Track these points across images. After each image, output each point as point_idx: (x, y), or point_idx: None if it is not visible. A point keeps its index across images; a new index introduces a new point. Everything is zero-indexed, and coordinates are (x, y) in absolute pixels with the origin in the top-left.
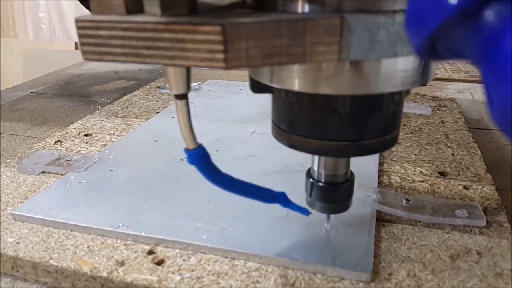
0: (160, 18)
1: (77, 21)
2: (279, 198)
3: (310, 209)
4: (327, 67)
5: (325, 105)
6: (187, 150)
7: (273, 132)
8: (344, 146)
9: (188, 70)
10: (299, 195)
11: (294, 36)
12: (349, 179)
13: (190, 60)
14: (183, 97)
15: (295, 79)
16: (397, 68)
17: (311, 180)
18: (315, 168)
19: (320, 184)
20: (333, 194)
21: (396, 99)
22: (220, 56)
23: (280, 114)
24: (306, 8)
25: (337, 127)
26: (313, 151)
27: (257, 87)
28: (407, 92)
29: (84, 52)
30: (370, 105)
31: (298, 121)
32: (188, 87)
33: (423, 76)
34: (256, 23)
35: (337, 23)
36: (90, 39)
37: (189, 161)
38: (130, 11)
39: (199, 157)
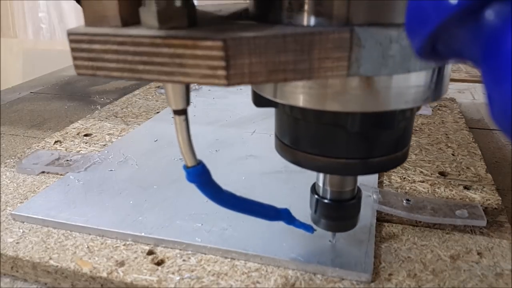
0: (158, 32)
1: (69, 34)
2: (283, 215)
3: (315, 226)
4: (335, 83)
5: (333, 122)
6: (186, 168)
7: (276, 147)
8: (352, 164)
9: (187, 85)
10: (299, 196)
11: (301, 52)
12: (356, 196)
13: (190, 76)
14: (182, 112)
15: (301, 95)
16: (409, 84)
17: (316, 196)
18: (320, 184)
19: (326, 201)
20: (339, 211)
21: (407, 115)
22: (221, 72)
23: (284, 129)
24: (313, 21)
25: (345, 144)
26: (318, 169)
27: (260, 101)
28: (418, 108)
29: (77, 67)
30: (380, 123)
31: (304, 137)
32: (188, 103)
33: (435, 91)
34: (260, 37)
35: (347, 37)
36: (83, 53)
37: (188, 179)
38: (125, 23)
39: (199, 175)
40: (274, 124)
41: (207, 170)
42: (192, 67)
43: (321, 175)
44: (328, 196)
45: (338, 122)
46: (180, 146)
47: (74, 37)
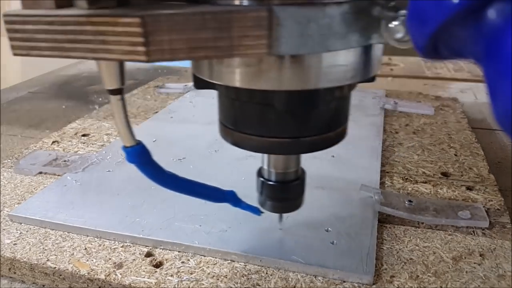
0: (84, 11)
1: (4, 15)
2: (228, 197)
3: (261, 209)
4: (260, 62)
5: (263, 101)
6: (125, 148)
7: (219, 130)
8: (284, 143)
9: (121, 64)
10: None
11: (220, 29)
12: (300, 177)
13: (113, 53)
14: (117, 92)
15: (233, 74)
16: (331, 63)
17: (261, 179)
18: (265, 167)
19: (270, 183)
20: (284, 193)
21: (336, 95)
22: (141, 49)
23: (222, 110)
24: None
25: (277, 123)
26: (254, 149)
27: (199, 83)
28: (351, 87)
29: (13, 47)
30: (306, 101)
31: (239, 117)
32: (123, 82)
33: (363, 71)
34: (178, 14)
35: (265, 15)
36: (17, 34)
37: (128, 159)
38: (59, 5)
39: (138, 155)
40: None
41: (146, 150)
42: (114, 44)
43: (265, 158)
44: (273, 178)
45: (267, 101)
46: (117, 126)
47: (8, 18)
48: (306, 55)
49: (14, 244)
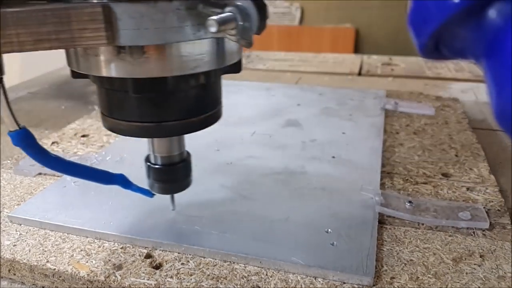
0: None
1: None
2: (118, 179)
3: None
4: (112, 52)
5: (121, 89)
6: (9, 132)
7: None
8: (147, 127)
9: None
10: (298, 197)
11: (60, 24)
12: (185, 159)
13: None
14: None
15: (94, 64)
16: (178, 53)
17: (148, 163)
18: (151, 152)
19: (156, 166)
20: (169, 175)
21: (192, 83)
22: None
23: (98, 98)
24: None
25: (137, 109)
26: (122, 133)
27: (74, 73)
28: (208, 76)
29: None
30: (158, 88)
31: (108, 104)
32: (1, 72)
33: (217, 60)
34: (22, 11)
35: (99, 11)
36: None
37: (13, 143)
38: None
39: (22, 139)
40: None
41: (30, 134)
42: None
43: (150, 144)
44: (158, 162)
45: (124, 88)
46: (1, 113)
47: None
48: (150, 46)
49: (14, 245)
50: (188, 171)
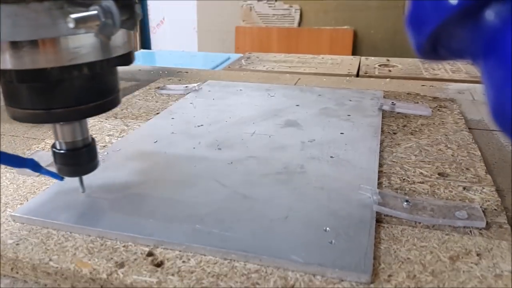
0: None
1: None
2: (29, 163)
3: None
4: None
5: (10, 79)
6: None
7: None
8: (38, 114)
9: None
10: (299, 197)
11: None
12: (89, 144)
13: None
14: None
15: None
16: (52, 47)
17: (53, 149)
18: (56, 139)
19: (62, 151)
20: (74, 159)
21: (75, 73)
22: None
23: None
24: None
25: (29, 97)
26: (18, 119)
27: None
28: (91, 67)
29: None
30: (36, 78)
31: (7, 94)
32: None
33: (100, 52)
34: None
35: None
36: None
37: None
38: None
39: None
40: None
41: None
42: None
43: (54, 131)
44: (64, 147)
45: (11, 79)
46: None
47: None
48: (26, 41)
49: (17, 244)
50: (92, 155)
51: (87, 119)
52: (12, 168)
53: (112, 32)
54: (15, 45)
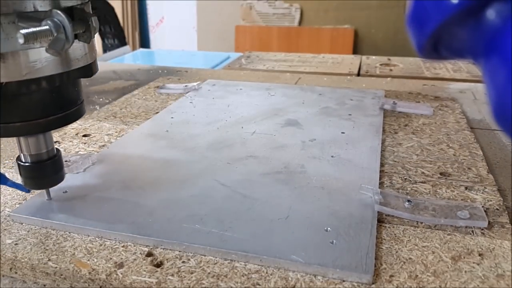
0: None
1: None
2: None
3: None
4: None
5: None
6: None
7: None
8: None
9: None
10: (298, 196)
11: None
12: (54, 156)
13: None
14: None
15: None
16: (5, 61)
17: (18, 162)
18: (20, 152)
19: (26, 164)
20: (39, 171)
21: (32, 88)
22: None
23: None
24: None
25: None
26: None
27: None
28: (50, 81)
29: None
30: None
31: None
32: None
33: (57, 66)
34: None
35: None
36: None
37: None
38: None
39: None
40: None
41: None
42: None
43: (18, 144)
44: (29, 160)
45: None
46: None
47: None
48: None
49: (15, 244)
50: (58, 167)
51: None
52: (11, 167)
53: (64, 46)
54: None
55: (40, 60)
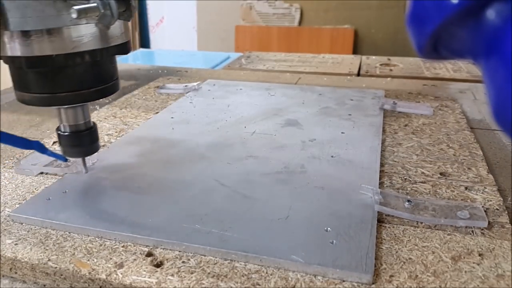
0: None
1: None
2: (34, 145)
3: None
4: (7, 36)
5: (19, 65)
6: None
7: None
8: (44, 98)
9: None
10: (299, 196)
11: None
12: (91, 128)
13: None
14: None
15: (0, 46)
16: (57, 36)
17: (59, 132)
18: (60, 122)
19: (66, 133)
20: (77, 140)
21: (77, 60)
22: None
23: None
24: None
25: (36, 82)
26: (27, 102)
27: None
28: (93, 55)
29: None
30: (43, 64)
31: (15, 79)
32: None
33: (99, 41)
34: None
35: None
36: None
37: None
38: None
39: None
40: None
41: None
42: None
43: (58, 115)
44: (68, 130)
45: (21, 65)
46: None
47: None
48: (34, 30)
49: (15, 244)
50: (94, 138)
51: (88, 104)
52: (11, 167)
53: (111, 22)
54: (24, 34)
55: (86, 35)
